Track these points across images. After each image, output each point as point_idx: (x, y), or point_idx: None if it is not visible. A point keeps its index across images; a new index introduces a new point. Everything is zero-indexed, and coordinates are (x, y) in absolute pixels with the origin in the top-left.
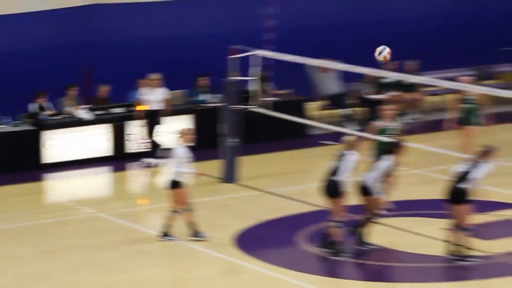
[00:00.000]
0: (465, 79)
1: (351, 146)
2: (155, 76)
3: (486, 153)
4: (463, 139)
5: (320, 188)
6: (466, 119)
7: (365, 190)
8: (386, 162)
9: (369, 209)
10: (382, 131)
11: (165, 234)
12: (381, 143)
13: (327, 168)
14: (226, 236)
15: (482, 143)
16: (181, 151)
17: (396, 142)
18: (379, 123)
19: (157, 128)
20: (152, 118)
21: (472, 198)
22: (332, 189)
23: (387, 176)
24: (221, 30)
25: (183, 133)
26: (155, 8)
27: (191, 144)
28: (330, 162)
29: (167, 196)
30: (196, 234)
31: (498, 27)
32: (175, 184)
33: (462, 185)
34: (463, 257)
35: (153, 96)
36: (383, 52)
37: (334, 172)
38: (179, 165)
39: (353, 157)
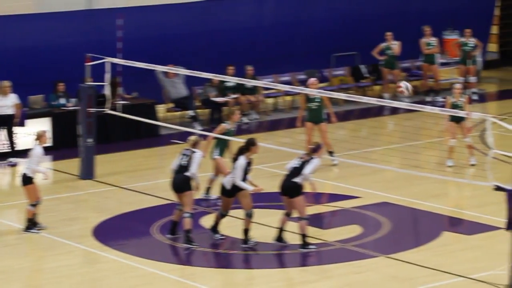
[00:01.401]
0: (311, 81)
1: (195, 144)
2: (6, 83)
3: (315, 150)
4: (309, 135)
5: (170, 183)
6: (313, 118)
7: (234, 189)
8: (243, 160)
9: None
10: (227, 132)
11: (28, 227)
12: (224, 142)
13: (175, 164)
14: (85, 228)
15: (318, 140)
16: (37, 151)
17: (252, 140)
18: (226, 125)
19: (13, 131)
20: (6, 122)
21: (305, 190)
22: (182, 184)
23: (246, 173)
24: (79, 40)
25: (39, 135)
26: (18, 20)
27: (47, 144)
28: (178, 159)
29: (24, 191)
30: (35, 225)
31: (331, 35)
32: (29, 181)
33: (295, 179)
34: (304, 245)
35: (4, 102)
36: (409, 87)
37: (182, 168)
38: (34, 164)
39: (198, 154)
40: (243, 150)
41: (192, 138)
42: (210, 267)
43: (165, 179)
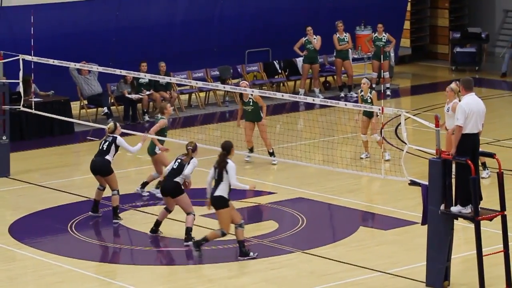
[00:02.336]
0: (241, 84)
1: (112, 131)
2: None
3: (193, 150)
4: (249, 135)
5: (93, 167)
6: (250, 118)
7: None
8: (232, 163)
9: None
10: (164, 127)
11: None
12: (163, 137)
13: (98, 151)
14: (1, 225)
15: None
16: None
17: (230, 143)
18: (165, 120)
19: None
20: None
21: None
22: (103, 167)
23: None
24: None
25: None
26: None
27: None
28: (100, 146)
29: None
30: None
31: (244, 31)
32: None
33: (176, 179)
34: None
35: None
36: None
37: (103, 152)
38: None
39: (119, 138)
40: (225, 155)
41: (110, 125)
42: (127, 263)
43: (81, 176)
